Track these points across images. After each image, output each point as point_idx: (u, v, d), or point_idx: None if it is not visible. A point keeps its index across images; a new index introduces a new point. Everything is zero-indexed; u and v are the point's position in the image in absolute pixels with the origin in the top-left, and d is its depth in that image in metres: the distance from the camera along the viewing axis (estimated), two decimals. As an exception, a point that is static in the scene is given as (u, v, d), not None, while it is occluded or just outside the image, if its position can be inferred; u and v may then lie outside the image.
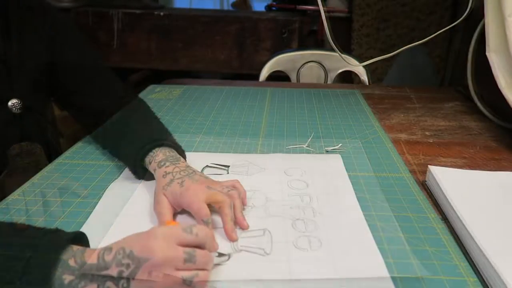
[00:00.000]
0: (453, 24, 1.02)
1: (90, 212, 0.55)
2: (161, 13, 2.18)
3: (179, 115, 0.93)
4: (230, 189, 0.55)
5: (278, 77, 1.42)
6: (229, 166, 0.69)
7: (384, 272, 0.45)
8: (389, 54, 1.07)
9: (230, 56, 2.22)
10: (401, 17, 2.27)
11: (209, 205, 0.52)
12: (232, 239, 0.50)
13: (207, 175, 0.58)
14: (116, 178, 0.65)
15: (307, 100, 1.06)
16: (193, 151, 0.75)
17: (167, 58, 2.25)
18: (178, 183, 0.54)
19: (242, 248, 0.48)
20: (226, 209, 0.51)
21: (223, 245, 0.48)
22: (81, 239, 0.42)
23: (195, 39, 2.20)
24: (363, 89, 1.18)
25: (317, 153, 0.75)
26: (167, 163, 0.58)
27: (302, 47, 1.98)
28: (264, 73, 1.41)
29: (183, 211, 0.55)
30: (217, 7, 3.93)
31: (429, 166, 0.64)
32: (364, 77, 1.39)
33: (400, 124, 0.91)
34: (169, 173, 0.56)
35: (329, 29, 0.98)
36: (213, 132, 0.84)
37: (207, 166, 0.69)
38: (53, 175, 0.65)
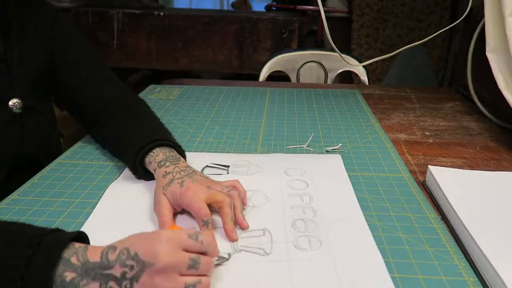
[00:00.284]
0: (453, 24, 1.02)
1: (90, 212, 0.55)
2: (161, 13, 2.18)
3: (179, 115, 0.93)
4: (230, 189, 0.55)
5: (278, 77, 1.42)
6: (229, 166, 0.69)
7: (384, 272, 0.45)
8: (389, 54, 1.07)
9: (230, 56, 2.23)
10: (401, 17, 2.27)
11: (209, 205, 0.52)
12: (232, 239, 0.50)
13: (207, 175, 0.58)
14: (116, 178, 0.65)
15: (307, 100, 1.06)
16: (193, 151, 0.75)
17: (166, 58, 2.25)
18: (178, 183, 0.54)
19: (242, 248, 0.48)
20: (226, 209, 0.51)
21: (223, 245, 0.48)
22: (82, 239, 0.42)
23: (195, 39, 2.21)
24: (363, 89, 1.18)
25: (317, 153, 0.75)
26: (167, 163, 0.58)
27: (302, 47, 1.98)
28: (264, 73, 1.41)
29: (183, 211, 0.55)
30: (217, 7, 3.94)
31: (429, 166, 0.64)
32: (364, 77, 1.39)
33: (399, 124, 0.91)
34: (169, 173, 0.56)
35: (328, 29, 0.98)
36: (213, 132, 0.84)
37: (207, 166, 0.69)
38: (53, 175, 0.65)
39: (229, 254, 0.47)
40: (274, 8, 2.65)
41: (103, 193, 0.60)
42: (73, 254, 0.38)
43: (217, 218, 0.53)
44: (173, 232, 0.41)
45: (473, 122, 0.93)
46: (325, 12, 0.97)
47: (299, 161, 0.71)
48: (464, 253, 0.48)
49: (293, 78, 1.45)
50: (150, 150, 0.61)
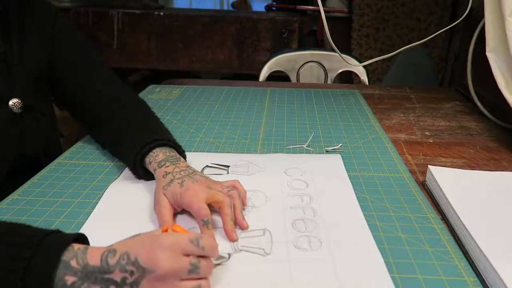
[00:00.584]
0: (452, 24, 1.02)
1: (90, 212, 0.55)
2: (161, 13, 2.18)
3: (179, 115, 0.93)
4: (230, 189, 0.55)
5: (278, 77, 1.42)
6: (229, 166, 0.69)
7: (384, 272, 0.45)
8: (389, 54, 1.07)
9: (229, 56, 2.23)
10: (401, 17, 2.28)
11: (209, 205, 0.52)
12: (232, 239, 0.50)
13: (207, 175, 0.58)
14: (116, 178, 0.65)
15: (307, 100, 1.06)
16: (193, 151, 0.75)
17: (166, 58, 2.25)
18: (178, 183, 0.54)
19: (242, 248, 0.48)
20: (226, 209, 0.51)
21: (223, 245, 0.49)
22: (82, 241, 0.42)
23: (195, 39, 2.21)
24: (363, 89, 1.18)
25: (317, 153, 0.75)
26: (167, 163, 0.58)
27: (302, 47, 1.98)
28: (264, 73, 1.41)
29: (183, 211, 0.55)
30: (217, 7, 3.94)
31: (428, 166, 0.64)
32: (364, 77, 1.39)
33: (399, 124, 0.91)
34: (169, 173, 0.56)
35: (328, 29, 0.98)
36: (213, 132, 0.84)
37: (207, 166, 0.69)
38: (53, 175, 0.65)
39: (229, 254, 0.47)
40: (274, 8, 2.65)
41: (103, 193, 0.60)
42: (72, 257, 0.38)
43: (217, 218, 0.53)
44: (174, 236, 0.40)
45: (473, 122, 0.93)
46: (325, 12, 0.97)
47: (299, 161, 0.71)
48: (464, 253, 0.48)
49: (293, 78, 1.45)
50: (150, 150, 0.61)
